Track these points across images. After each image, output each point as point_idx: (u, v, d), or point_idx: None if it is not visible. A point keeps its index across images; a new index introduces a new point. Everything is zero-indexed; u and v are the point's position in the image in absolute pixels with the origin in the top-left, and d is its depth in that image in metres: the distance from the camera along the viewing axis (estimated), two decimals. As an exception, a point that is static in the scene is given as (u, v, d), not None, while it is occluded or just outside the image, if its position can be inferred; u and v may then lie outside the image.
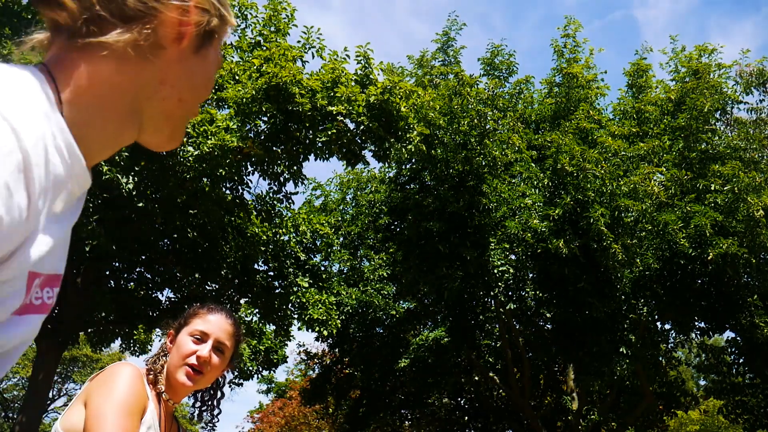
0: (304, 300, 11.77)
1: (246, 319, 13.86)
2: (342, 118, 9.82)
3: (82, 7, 0.69)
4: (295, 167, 10.84)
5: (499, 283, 11.89)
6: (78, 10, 0.69)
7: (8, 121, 0.58)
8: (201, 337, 1.74)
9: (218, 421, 1.92)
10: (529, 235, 11.54)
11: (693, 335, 14.82)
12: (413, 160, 13.26)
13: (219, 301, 11.30)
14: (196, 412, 1.89)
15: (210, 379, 1.76)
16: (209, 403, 1.90)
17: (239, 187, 11.33)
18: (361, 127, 10.04)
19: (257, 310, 12.74)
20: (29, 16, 9.27)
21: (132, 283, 12.52)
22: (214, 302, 1.88)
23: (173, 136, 0.80)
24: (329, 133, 9.77)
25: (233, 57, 10.85)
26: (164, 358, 1.77)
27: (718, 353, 16.06)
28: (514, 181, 12.93)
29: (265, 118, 10.09)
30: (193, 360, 1.70)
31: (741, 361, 15.24)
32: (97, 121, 0.71)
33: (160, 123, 0.77)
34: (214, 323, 1.76)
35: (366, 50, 10.50)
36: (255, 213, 11.82)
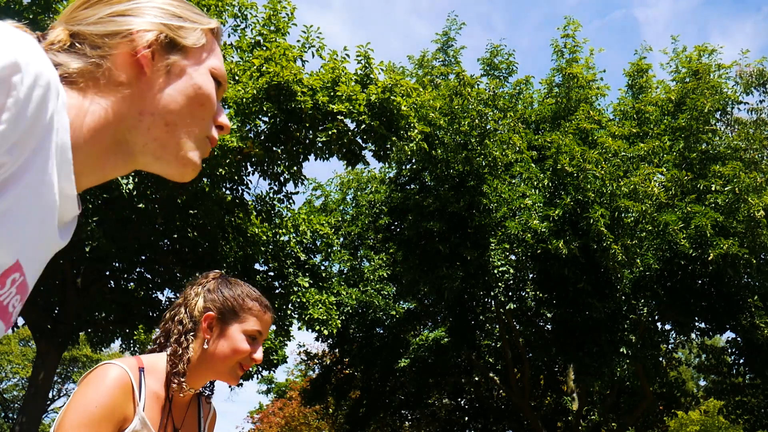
0: (304, 300, 11.76)
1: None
2: (342, 117, 9.81)
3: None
4: (295, 167, 10.83)
5: (499, 284, 11.88)
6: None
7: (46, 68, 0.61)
8: (256, 337, 1.62)
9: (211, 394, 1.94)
10: (529, 235, 11.53)
11: (693, 336, 14.82)
12: (413, 161, 13.26)
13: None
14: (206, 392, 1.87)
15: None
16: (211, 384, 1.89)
17: (239, 188, 11.32)
18: (362, 126, 10.02)
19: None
20: (30, 16, 9.25)
21: (132, 283, 12.52)
22: (262, 294, 1.73)
23: (182, 161, 0.78)
24: (329, 132, 9.76)
25: (233, 57, 10.83)
26: (192, 347, 1.57)
27: (718, 354, 16.06)
28: (514, 181, 12.91)
29: (266, 118, 10.08)
30: (247, 361, 1.60)
31: (741, 361, 15.23)
32: (81, 143, 0.71)
33: (158, 152, 0.76)
34: (267, 323, 1.66)
35: (366, 50, 10.48)
36: (255, 213, 11.81)
